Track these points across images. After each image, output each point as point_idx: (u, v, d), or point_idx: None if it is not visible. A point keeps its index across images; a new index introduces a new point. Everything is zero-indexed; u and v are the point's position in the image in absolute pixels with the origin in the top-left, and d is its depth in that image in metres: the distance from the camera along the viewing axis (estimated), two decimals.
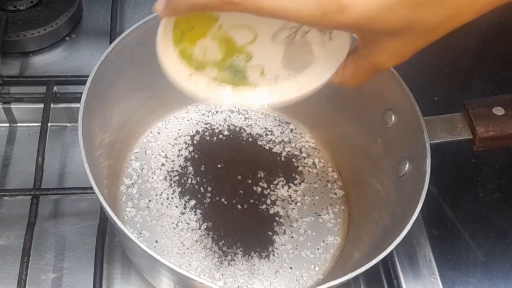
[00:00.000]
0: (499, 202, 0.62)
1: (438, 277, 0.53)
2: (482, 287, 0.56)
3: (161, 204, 0.57)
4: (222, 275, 0.53)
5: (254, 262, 0.54)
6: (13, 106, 0.63)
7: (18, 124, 0.65)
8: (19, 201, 0.56)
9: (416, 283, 0.52)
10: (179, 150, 0.61)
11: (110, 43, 0.65)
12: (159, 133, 0.62)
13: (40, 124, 0.60)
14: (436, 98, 0.69)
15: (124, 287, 0.54)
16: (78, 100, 0.62)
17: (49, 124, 0.60)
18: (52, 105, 0.62)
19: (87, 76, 0.64)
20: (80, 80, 0.64)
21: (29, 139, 0.64)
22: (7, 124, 0.65)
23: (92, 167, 0.44)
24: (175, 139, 0.62)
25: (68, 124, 0.65)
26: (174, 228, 0.55)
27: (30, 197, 0.55)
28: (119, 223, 0.41)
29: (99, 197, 0.43)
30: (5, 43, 0.66)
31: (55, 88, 0.63)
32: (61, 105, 0.64)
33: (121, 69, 0.53)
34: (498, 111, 0.50)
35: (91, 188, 0.55)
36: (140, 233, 0.54)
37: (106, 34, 0.69)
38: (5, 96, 0.63)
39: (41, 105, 0.61)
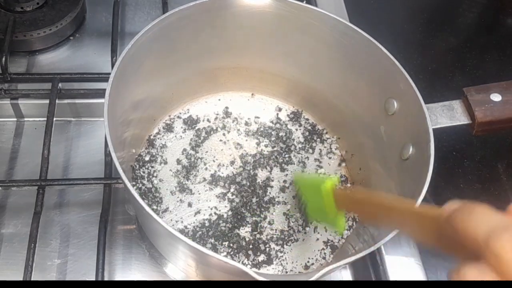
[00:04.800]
0: (479, 192, 0.64)
1: (421, 264, 0.53)
2: None
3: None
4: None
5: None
6: (20, 101, 0.65)
7: (25, 119, 0.66)
8: (26, 191, 0.58)
9: (400, 269, 0.53)
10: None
11: (112, 42, 0.68)
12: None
13: (45, 118, 0.61)
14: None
15: (125, 273, 0.55)
16: (81, 96, 0.65)
17: (54, 119, 0.61)
18: (57, 101, 0.63)
19: (90, 74, 0.67)
20: (83, 77, 0.65)
21: (35, 133, 0.65)
22: (15, 119, 0.66)
23: (119, 155, 0.46)
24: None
25: (72, 119, 0.66)
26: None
27: (36, 187, 0.56)
28: (150, 212, 0.41)
29: (131, 190, 0.43)
30: (12, 43, 0.66)
31: (60, 84, 0.64)
32: (66, 101, 0.65)
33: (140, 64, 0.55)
34: (496, 97, 0.52)
35: (94, 179, 0.58)
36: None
37: (108, 34, 0.70)
38: (12, 92, 0.64)
39: (47, 101, 0.62)
